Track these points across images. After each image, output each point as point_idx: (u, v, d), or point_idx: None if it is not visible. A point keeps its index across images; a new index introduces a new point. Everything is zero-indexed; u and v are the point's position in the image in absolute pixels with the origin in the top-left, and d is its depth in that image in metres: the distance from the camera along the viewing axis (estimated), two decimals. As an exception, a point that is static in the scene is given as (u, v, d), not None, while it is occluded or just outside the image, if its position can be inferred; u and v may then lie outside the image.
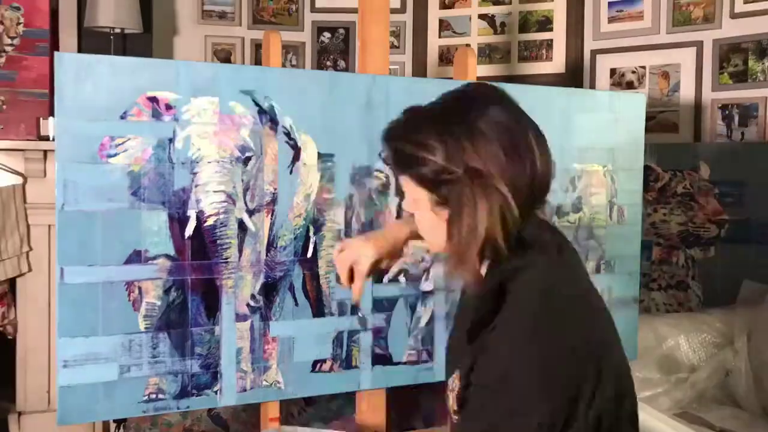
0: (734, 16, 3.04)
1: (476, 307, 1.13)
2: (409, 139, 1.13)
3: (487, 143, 1.08)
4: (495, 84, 1.20)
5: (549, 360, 1.02)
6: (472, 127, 1.09)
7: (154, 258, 1.61)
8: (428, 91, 1.87)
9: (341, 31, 3.76)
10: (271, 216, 1.72)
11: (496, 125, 1.10)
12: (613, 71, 3.38)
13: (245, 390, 1.72)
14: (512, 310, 1.06)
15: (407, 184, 1.16)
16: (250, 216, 1.70)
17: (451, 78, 2.17)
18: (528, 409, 1.01)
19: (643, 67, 3.31)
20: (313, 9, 3.75)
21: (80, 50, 3.25)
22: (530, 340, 1.03)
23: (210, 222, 1.66)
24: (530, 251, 1.11)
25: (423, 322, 1.91)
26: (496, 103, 1.14)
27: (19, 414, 2.74)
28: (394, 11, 3.31)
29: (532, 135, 1.14)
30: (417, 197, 1.15)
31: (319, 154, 1.75)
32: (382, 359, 1.86)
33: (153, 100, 1.59)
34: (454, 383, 1.17)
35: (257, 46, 3.66)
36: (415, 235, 1.38)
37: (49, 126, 2.70)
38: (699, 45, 3.14)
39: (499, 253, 1.09)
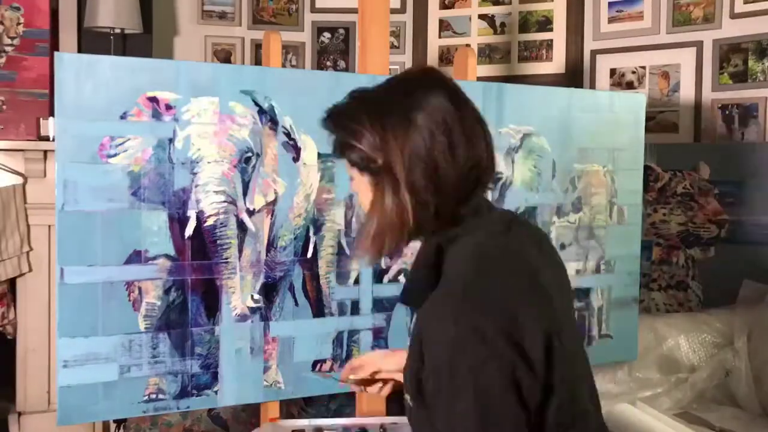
0: (734, 16, 3.04)
1: (416, 279, 1.14)
2: (343, 126, 1.13)
3: (416, 137, 1.06)
4: (439, 70, 1.17)
5: (484, 322, 0.98)
6: (406, 118, 1.07)
7: (154, 258, 1.62)
8: (428, 91, 1.88)
9: (341, 31, 3.76)
10: (271, 216, 1.72)
11: (433, 115, 1.07)
12: (613, 71, 3.38)
13: (245, 390, 1.72)
14: (446, 277, 1.06)
15: (348, 167, 1.17)
16: (250, 216, 1.70)
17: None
18: (480, 371, 0.97)
19: (643, 67, 3.30)
20: (313, 9, 3.75)
21: (80, 50, 3.25)
22: (463, 306, 1.00)
23: (210, 222, 1.66)
24: (466, 221, 1.11)
25: (423, 322, 1.90)
26: (438, 90, 1.10)
27: (19, 414, 2.74)
28: (394, 11, 3.31)
29: (473, 121, 1.12)
30: (352, 175, 1.16)
31: (319, 154, 1.75)
32: (382, 359, 1.86)
33: (153, 100, 1.59)
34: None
35: (257, 46, 3.66)
36: None
37: (49, 126, 2.70)
38: (699, 45, 3.14)
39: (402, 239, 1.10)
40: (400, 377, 1.32)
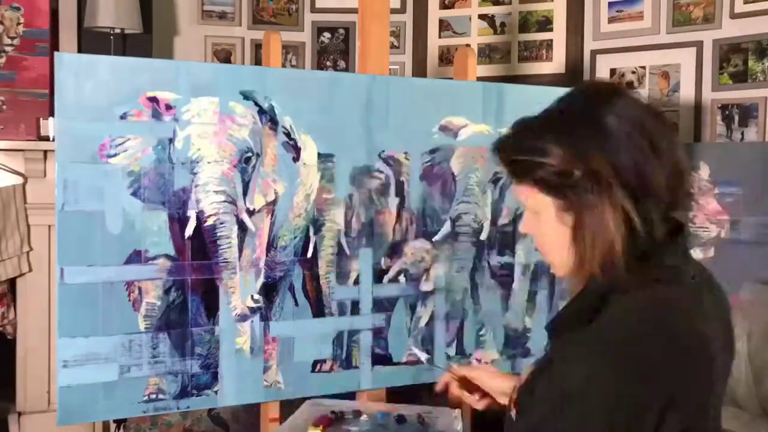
0: (734, 16, 3.04)
1: (570, 310, 1.05)
2: (522, 147, 1.02)
3: (616, 141, 0.95)
4: (617, 84, 1.11)
5: (613, 392, 0.92)
6: (599, 124, 0.97)
7: (154, 258, 1.61)
8: (428, 91, 1.88)
9: (341, 31, 3.76)
10: (271, 216, 1.72)
11: (628, 119, 0.97)
12: (613, 71, 3.38)
13: (245, 390, 1.72)
14: (598, 331, 0.96)
15: (526, 193, 1.04)
16: (250, 216, 1.70)
17: (451, 78, 2.17)
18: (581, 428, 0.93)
19: (643, 67, 3.30)
20: (313, 9, 3.75)
21: (80, 50, 3.25)
22: (602, 367, 0.93)
23: (210, 222, 1.66)
24: (645, 274, 0.97)
25: (423, 323, 1.91)
26: (622, 95, 1.01)
27: (19, 414, 2.74)
28: (394, 11, 3.31)
29: (669, 127, 1.01)
30: (538, 208, 1.03)
31: (319, 154, 1.75)
32: (381, 359, 1.86)
33: (153, 100, 1.59)
34: (526, 372, 1.12)
35: (257, 46, 3.66)
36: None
37: (49, 126, 2.70)
38: (699, 45, 3.14)
39: (615, 268, 0.96)
40: (501, 399, 1.30)
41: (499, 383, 1.34)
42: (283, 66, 3.35)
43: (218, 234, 1.67)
